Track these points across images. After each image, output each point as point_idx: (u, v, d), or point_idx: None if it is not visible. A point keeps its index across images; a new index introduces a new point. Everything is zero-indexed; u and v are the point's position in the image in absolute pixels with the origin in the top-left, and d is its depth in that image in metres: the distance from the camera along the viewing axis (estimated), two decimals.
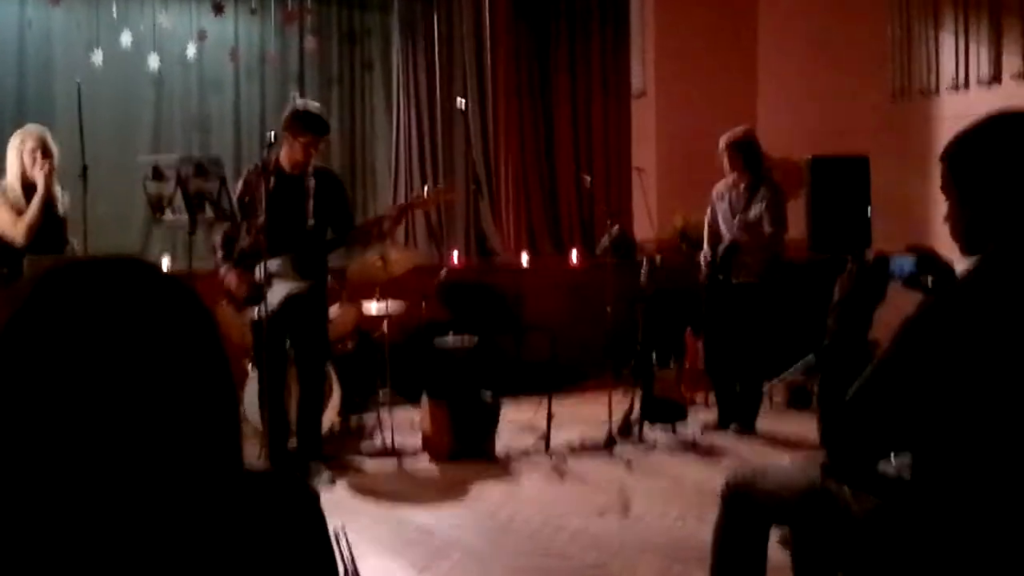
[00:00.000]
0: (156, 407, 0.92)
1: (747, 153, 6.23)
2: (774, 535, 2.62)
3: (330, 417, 5.87)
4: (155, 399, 0.92)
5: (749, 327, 6.19)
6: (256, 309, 4.98)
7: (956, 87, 8.05)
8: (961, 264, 2.04)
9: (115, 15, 7.73)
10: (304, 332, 5.21)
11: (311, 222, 5.15)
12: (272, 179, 5.03)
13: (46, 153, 5.02)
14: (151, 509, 0.92)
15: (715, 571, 2.68)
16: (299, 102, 5.49)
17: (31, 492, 0.89)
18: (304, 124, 5.12)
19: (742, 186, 6.27)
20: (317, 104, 5.52)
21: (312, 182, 5.19)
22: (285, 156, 5.17)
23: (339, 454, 5.75)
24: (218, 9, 7.95)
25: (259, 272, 5.01)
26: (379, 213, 5.50)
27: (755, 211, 6.18)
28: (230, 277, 5.11)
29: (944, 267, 2.18)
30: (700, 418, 6.45)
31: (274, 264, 4.99)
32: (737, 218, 6.26)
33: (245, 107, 8.63)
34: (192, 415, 0.95)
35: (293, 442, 5.27)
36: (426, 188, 5.72)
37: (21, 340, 0.91)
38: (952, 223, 2.04)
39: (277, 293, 5.02)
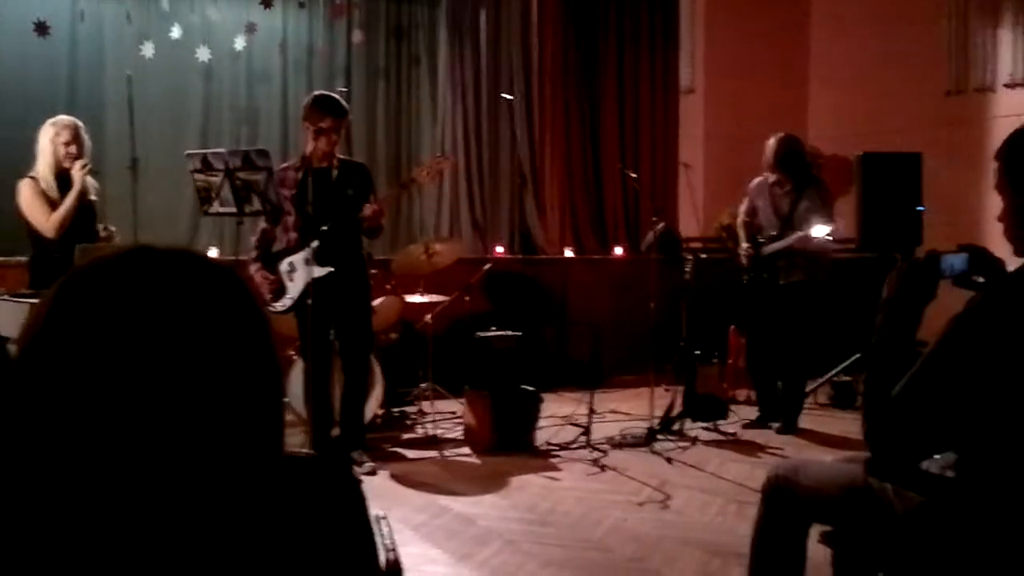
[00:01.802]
0: (201, 392, 0.93)
1: (791, 158, 6.15)
2: (815, 532, 2.60)
3: (373, 408, 5.92)
4: (200, 384, 0.93)
5: (795, 326, 6.13)
6: (280, 303, 5.09)
7: (1013, 84, 7.91)
8: (1014, 264, 2.01)
9: (166, 7, 7.82)
10: (347, 322, 5.25)
11: (335, 215, 5.13)
12: (301, 174, 5.08)
13: (80, 145, 5.08)
14: (192, 492, 0.93)
15: (754, 567, 2.66)
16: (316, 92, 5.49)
17: (73, 474, 0.91)
18: (322, 107, 5.13)
19: (788, 187, 6.19)
20: (340, 91, 5.49)
21: (336, 173, 5.22)
22: (312, 150, 5.19)
23: (382, 444, 5.79)
24: (267, 3, 8.01)
25: (283, 267, 5.11)
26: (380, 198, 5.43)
27: (802, 212, 6.08)
28: (257, 276, 5.17)
29: (996, 266, 2.14)
30: (742, 415, 6.41)
31: (299, 257, 5.05)
32: (783, 221, 6.16)
33: (293, 100, 8.67)
34: (236, 401, 0.96)
35: (336, 431, 5.32)
36: (423, 163, 5.67)
37: (71, 325, 0.92)
38: (1006, 223, 2.01)
39: (298, 283, 5.08)
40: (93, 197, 5.22)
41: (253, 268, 5.22)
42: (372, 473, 5.13)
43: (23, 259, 5.43)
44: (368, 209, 5.14)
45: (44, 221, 4.97)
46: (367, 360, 5.44)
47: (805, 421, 6.33)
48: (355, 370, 5.30)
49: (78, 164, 5.00)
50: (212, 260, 1.04)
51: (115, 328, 0.91)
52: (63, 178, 5.04)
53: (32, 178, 5.03)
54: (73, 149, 5.03)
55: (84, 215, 5.11)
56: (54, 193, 5.01)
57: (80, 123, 5.18)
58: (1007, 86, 7.90)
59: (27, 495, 0.92)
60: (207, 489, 0.94)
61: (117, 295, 0.93)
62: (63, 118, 5.17)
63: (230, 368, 0.96)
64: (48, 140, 5.05)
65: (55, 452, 0.90)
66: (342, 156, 5.38)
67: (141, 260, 0.98)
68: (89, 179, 5.20)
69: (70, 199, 4.98)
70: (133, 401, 0.90)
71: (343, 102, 5.25)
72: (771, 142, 6.20)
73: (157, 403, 0.91)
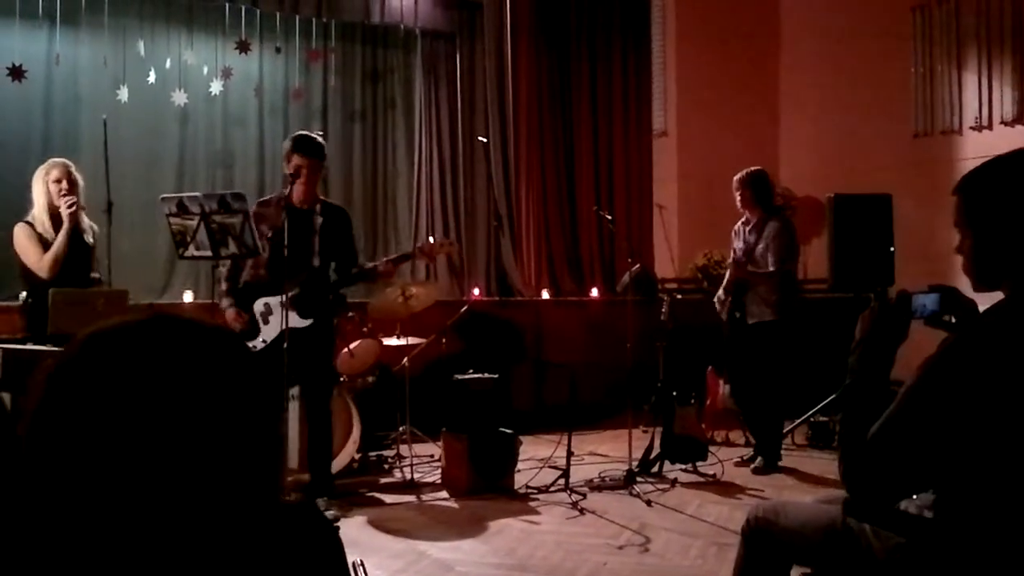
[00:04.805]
0: (199, 451, 0.94)
1: (757, 189, 6.26)
2: (795, 574, 2.59)
3: (350, 452, 5.87)
4: (198, 445, 0.94)
5: (765, 365, 6.17)
6: (251, 344, 5.02)
7: (979, 127, 8.05)
8: (984, 303, 2.03)
9: (142, 52, 7.83)
10: (309, 369, 5.20)
11: (316, 261, 5.14)
12: (283, 213, 5.04)
13: (71, 184, 5.08)
14: (180, 545, 0.93)
15: None
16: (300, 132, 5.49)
17: (74, 527, 0.91)
18: (295, 145, 5.12)
19: (753, 223, 6.31)
20: (317, 134, 5.47)
21: (319, 219, 5.20)
22: (294, 189, 5.18)
23: (359, 489, 5.74)
24: (243, 47, 8.05)
25: (258, 307, 5.06)
26: (384, 258, 5.49)
27: (761, 248, 6.21)
28: (229, 312, 5.13)
29: (967, 306, 2.16)
30: (721, 456, 6.40)
31: (276, 300, 5.01)
32: (748, 255, 6.29)
33: (269, 143, 8.71)
34: (235, 455, 0.96)
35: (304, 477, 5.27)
36: (431, 239, 5.77)
37: (71, 395, 0.93)
38: (964, 257, 2.04)
39: (273, 328, 5.03)
40: (91, 240, 5.20)
41: (225, 303, 5.16)
42: (336, 521, 5.06)
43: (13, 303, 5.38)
44: (381, 266, 5.28)
45: (37, 261, 4.97)
46: (328, 404, 5.34)
47: (784, 461, 6.33)
48: (318, 414, 5.23)
49: (64, 203, 4.99)
50: (206, 325, 1.04)
51: (118, 403, 0.92)
52: (58, 218, 5.05)
53: (27, 222, 5.04)
54: (64, 185, 5.04)
55: (80, 256, 5.09)
56: (50, 234, 5.01)
57: (71, 164, 5.20)
58: (973, 128, 8.04)
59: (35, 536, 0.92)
60: (193, 537, 0.93)
61: (114, 376, 0.94)
62: (53, 160, 5.21)
63: (225, 425, 0.96)
64: (40, 181, 5.07)
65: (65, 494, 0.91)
66: (323, 198, 5.36)
67: (145, 332, 0.98)
68: (87, 221, 5.20)
69: (61, 236, 4.99)
70: (135, 466, 0.91)
71: (321, 144, 5.22)
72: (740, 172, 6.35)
73: (158, 467, 0.91)
